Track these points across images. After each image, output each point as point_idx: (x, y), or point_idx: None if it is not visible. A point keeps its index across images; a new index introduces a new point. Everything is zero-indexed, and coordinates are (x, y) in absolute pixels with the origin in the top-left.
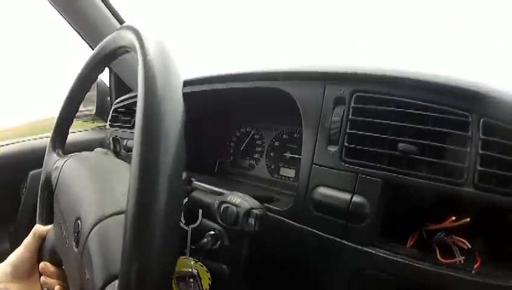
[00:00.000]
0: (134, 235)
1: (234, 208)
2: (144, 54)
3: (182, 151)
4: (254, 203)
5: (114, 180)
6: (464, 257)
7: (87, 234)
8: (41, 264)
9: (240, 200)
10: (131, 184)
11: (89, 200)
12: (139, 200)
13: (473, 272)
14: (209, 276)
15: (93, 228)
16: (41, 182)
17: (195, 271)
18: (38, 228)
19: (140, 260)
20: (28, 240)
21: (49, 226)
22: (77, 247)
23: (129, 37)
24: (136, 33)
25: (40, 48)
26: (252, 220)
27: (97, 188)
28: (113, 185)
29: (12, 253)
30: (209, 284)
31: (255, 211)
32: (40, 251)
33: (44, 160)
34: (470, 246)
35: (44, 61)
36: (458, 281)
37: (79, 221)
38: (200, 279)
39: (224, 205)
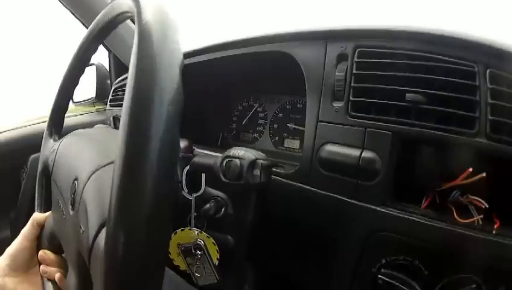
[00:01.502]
0: (122, 179)
1: (238, 161)
2: (141, 15)
3: (179, 102)
4: (258, 154)
5: (110, 141)
6: (481, 216)
7: (83, 187)
8: (41, 252)
9: (243, 152)
10: (120, 131)
11: (84, 159)
12: (129, 142)
13: (493, 232)
14: (217, 249)
15: (88, 179)
16: (39, 169)
17: (201, 242)
18: (37, 216)
19: (128, 206)
20: (26, 229)
21: (47, 213)
22: (73, 209)
23: (128, 3)
24: None
25: (37, 45)
26: (257, 171)
27: (93, 148)
28: (108, 143)
29: (11, 244)
30: (217, 259)
31: (260, 161)
32: (39, 240)
33: (42, 147)
34: (487, 206)
35: (45, 60)
36: (479, 241)
37: (76, 181)
38: (208, 251)
39: (227, 160)
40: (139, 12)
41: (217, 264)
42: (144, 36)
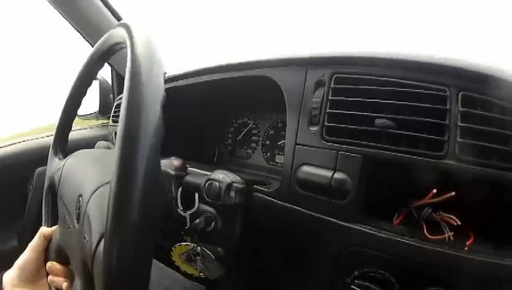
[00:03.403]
0: (116, 196)
1: (217, 183)
2: (132, 48)
3: (159, 129)
4: (235, 178)
5: (110, 162)
6: (452, 233)
7: (87, 202)
8: (48, 264)
9: (222, 175)
10: (115, 154)
11: (87, 178)
12: (121, 167)
13: (465, 248)
14: (212, 256)
15: (91, 195)
16: (45, 186)
17: (198, 248)
18: (44, 230)
19: (119, 220)
20: (33, 242)
21: (54, 227)
22: (78, 222)
23: (122, 34)
24: (128, 30)
25: (43, 53)
26: (232, 193)
27: (95, 168)
28: (109, 164)
29: (20, 256)
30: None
31: (235, 184)
32: (47, 252)
33: (47, 166)
34: (459, 223)
35: (49, 67)
36: (450, 258)
37: (80, 198)
38: (206, 253)
39: (209, 182)
40: (131, 46)
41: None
42: (134, 73)
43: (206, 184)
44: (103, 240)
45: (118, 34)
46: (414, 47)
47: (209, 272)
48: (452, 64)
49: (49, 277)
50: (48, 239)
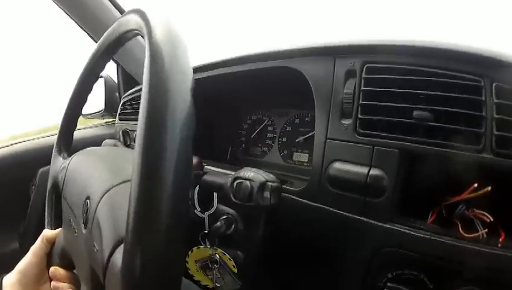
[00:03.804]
0: (140, 197)
1: (248, 182)
2: (150, 32)
3: (190, 119)
4: (268, 176)
5: (121, 161)
6: (486, 230)
7: (96, 206)
8: (52, 269)
9: (253, 174)
10: (136, 150)
11: (96, 178)
12: (145, 163)
13: (499, 245)
14: (233, 264)
15: (101, 198)
16: (48, 187)
17: (216, 256)
18: (46, 233)
19: (146, 223)
20: (36, 246)
21: (58, 230)
22: (86, 227)
23: (136, 20)
24: (143, 15)
25: (47, 52)
26: (267, 193)
27: (104, 167)
28: (120, 163)
29: (21, 261)
30: (233, 266)
31: (269, 183)
32: (50, 256)
33: (51, 165)
34: (492, 219)
35: (60, 66)
36: (485, 255)
37: (88, 200)
38: (226, 263)
39: (237, 181)
40: (149, 31)
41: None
42: (155, 57)
43: (235, 183)
44: (118, 249)
45: (129, 20)
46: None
47: (225, 284)
48: (486, 54)
49: (53, 283)
50: (51, 243)
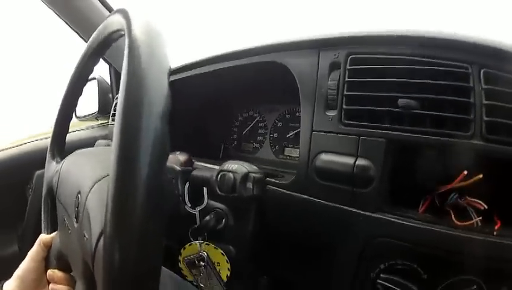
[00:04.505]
0: (116, 191)
1: (231, 174)
2: (130, 30)
3: (166, 114)
4: (251, 167)
5: (109, 155)
6: (480, 218)
7: (86, 197)
8: (49, 272)
9: (236, 166)
10: (113, 144)
11: (85, 172)
12: (121, 158)
13: (494, 233)
14: (226, 259)
15: (90, 190)
16: (43, 192)
17: (204, 253)
18: (43, 237)
19: (121, 217)
20: (33, 251)
21: (53, 234)
22: (77, 221)
23: (119, 20)
24: (125, 14)
25: (37, 54)
26: (250, 184)
27: (93, 162)
28: (108, 157)
29: (19, 266)
30: (228, 269)
31: (252, 174)
32: (47, 260)
33: (45, 170)
34: (486, 207)
35: (43, 68)
36: (479, 243)
37: (79, 195)
38: (213, 263)
39: (221, 173)
40: (129, 29)
41: (229, 274)
42: (133, 53)
43: (219, 176)
44: (103, 236)
45: (114, 21)
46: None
47: (210, 285)
48: (473, 41)
49: (51, 285)
50: (48, 246)
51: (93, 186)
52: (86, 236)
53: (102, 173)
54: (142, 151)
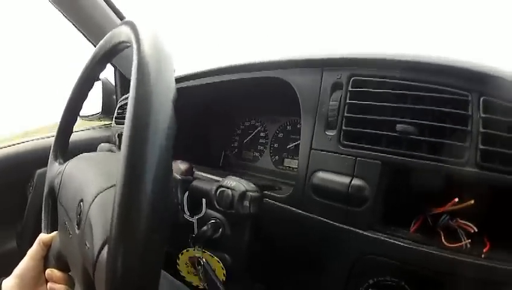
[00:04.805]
0: (122, 202)
1: (230, 191)
2: (139, 46)
3: (171, 130)
4: (249, 185)
5: (113, 165)
6: (469, 241)
7: (88, 207)
8: (48, 271)
9: (235, 183)
10: (121, 156)
11: (89, 181)
12: (128, 170)
13: (482, 256)
14: (222, 266)
15: (93, 200)
16: (45, 192)
17: (203, 260)
18: (43, 236)
19: (127, 228)
20: (32, 249)
21: (54, 233)
22: (79, 228)
23: (127, 32)
24: (133, 27)
25: (46, 55)
26: (246, 203)
27: (97, 171)
28: (112, 167)
29: (19, 264)
30: (224, 274)
31: (249, 193)
32: (46, 259)
33: (47, 170)
34: (476, 230)
35: (52, 68)
36: (467, 265)
37: (81, 203)
38: (211, 266)
39: (220, 189)
40: (138, 44)
41: (224, 280)
42: (141, 70)
43: (218, 192)
44: (106, 246)
45: (121, 32)
46: (424, 49)
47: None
48: (474, 68)
49: (49, 284)
50: (47, 246)
51: (96, 196)
52: (88, 245)
53: (105, 185)
54: (148, 166)
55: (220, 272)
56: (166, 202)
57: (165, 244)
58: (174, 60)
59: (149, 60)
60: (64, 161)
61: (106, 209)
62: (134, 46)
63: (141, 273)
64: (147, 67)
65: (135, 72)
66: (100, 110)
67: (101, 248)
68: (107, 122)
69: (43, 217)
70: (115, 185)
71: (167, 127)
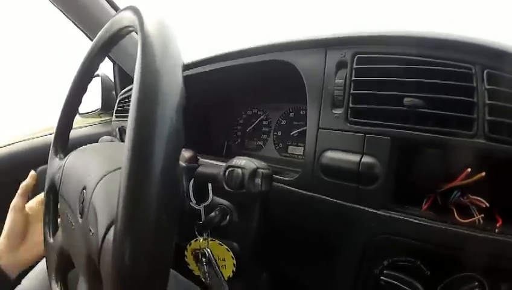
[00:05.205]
0: (130, 181)
1: (240, 170)
2: (143, 30)
3: (179, 112)
4: (260, 163)
5: (115, 151)
6: (482, 215)
7: (92, 193)
8: (27, 205)
9: (244, 161)
10: (126, 140)
11: (91, 168)
12: (135, 149)
13: (496, 231)
14: (232, 255)
15: (96, 185)
16: (45, 188)
17: (208, 250)
18: (22, 184)
19: (134, 212)
20: (15, 201)
21: (32, 173)
22: (82, 216)
23: (129, 17)
24: (136, 11)
25: (42, 52)
26: (258, 180)
27: (100, 157)
28: (114, 152)
29: (4, 226)
30: (234, 265)
31: (261, 170)
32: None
33: (48, 166)
34: (487, 205)
35: (48, 66)
36: (481, 241)
37: (84, 190)
38: (215, 259)
39: (229, 169)
40: (142, 25)
41: (234, 270)
42: (147, 51)
43: (227, 172)
44: (111, 230)
45: (123, 18)
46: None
47: (213, 284)
48: (476, 42)
49: (27, 204)
50: (27, 191)
51: (99, 181)
52: (92, 231)
53: (109, 168)
54: (157, 142)
55: (231, 262)
56: (175, 181)
57: (175, 228)
58: (179, 37)
59: (154, 39)
60: (65, 156)
61: (111, 192)
62: (138, 27)
63: (150, 257)
64: (152, 46)
65: (140, 53)
66: (99, 106)
67: (107, 231)
68: (106, 118)
69: (44, 213)
70: (118, 168)
71: (176, 103)
